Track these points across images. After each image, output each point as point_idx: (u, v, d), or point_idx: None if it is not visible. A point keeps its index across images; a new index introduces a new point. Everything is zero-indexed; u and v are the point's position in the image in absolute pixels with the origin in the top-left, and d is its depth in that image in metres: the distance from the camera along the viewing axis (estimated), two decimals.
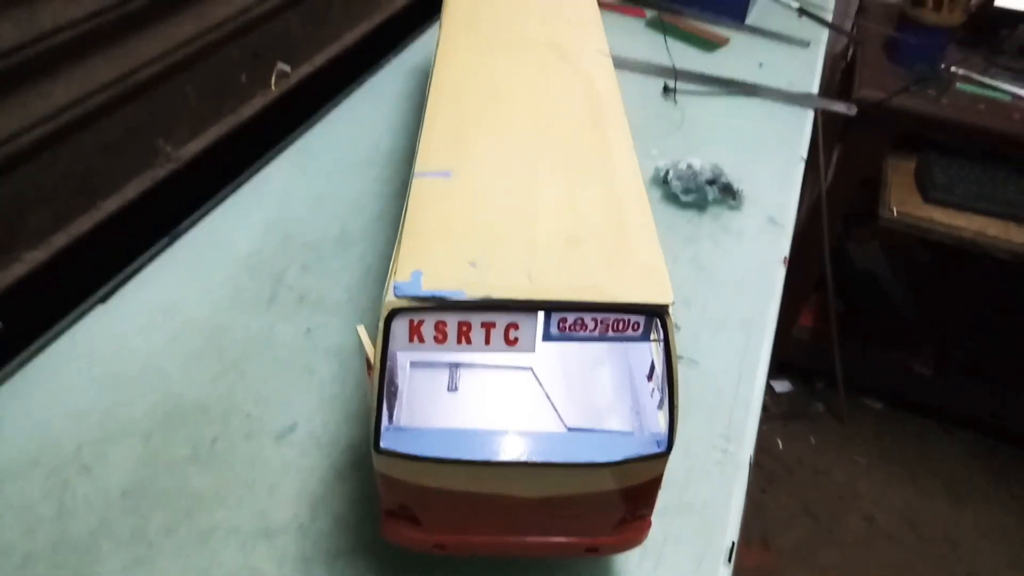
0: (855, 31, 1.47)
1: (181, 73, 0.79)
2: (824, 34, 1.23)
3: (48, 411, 0.53)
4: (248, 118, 0.90)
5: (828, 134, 1.31)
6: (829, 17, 1.28)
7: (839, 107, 1.03)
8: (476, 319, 0.36)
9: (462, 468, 0.39)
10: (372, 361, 0.37)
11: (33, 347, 0.59)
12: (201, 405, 0.55)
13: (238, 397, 0.56)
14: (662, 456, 0.40)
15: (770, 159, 0.89)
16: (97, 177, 0.73)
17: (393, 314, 0.35)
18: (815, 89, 1.06)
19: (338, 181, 0.79)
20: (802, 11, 1.27)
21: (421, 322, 0.36)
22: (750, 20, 1.22)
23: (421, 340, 0.36)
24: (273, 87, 0.95)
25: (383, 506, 0.42)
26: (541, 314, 0.36)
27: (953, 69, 1.30)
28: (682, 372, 0.61)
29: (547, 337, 0.37)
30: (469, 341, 0.36)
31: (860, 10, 1.54)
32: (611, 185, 0.44)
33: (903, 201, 1.22)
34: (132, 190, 0.77)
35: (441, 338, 0.36)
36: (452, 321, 0.36)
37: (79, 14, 0.65)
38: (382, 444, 0.38)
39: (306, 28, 0.98)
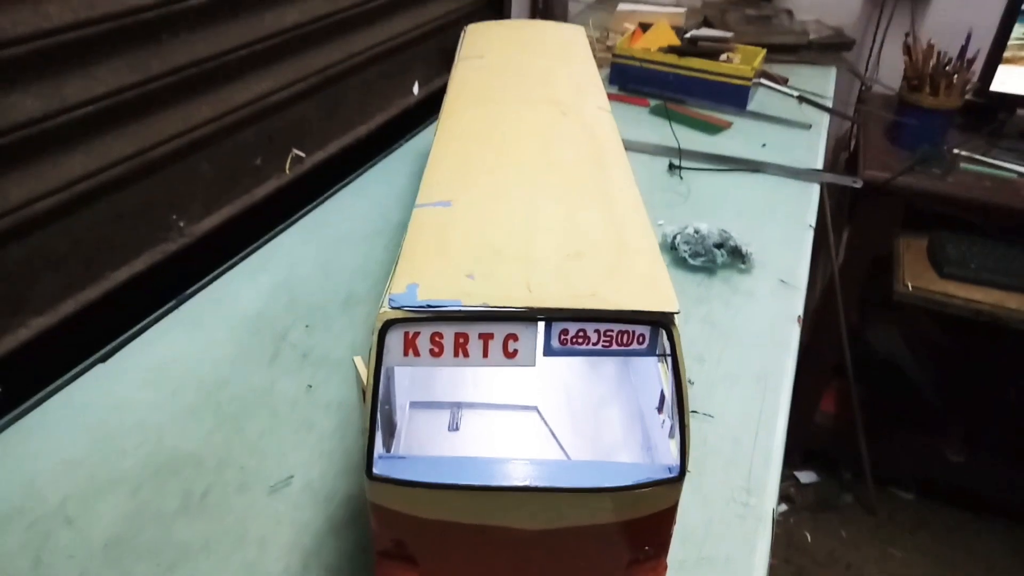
0: (857, 116, 1.50)
1: (197, 152, 0.82)
2: (825, 118, 1.26)
3: (37, 463, 0.52)
4: (261, 198, 0.92)
5: (836, 215, 1.32)
6: (829, 104, 1.32)
7: (845, 180, 1.03)
8: (474, 330, 0.34)
9: (460, 496, 0.36)
10: (366, 383, 0.36)
11: (29, 403, 0.58)
12: (195, 458, 0.53)
13: (233, 450, 0.53)
14: (674, 482, 0.37)
15: (778, 227, 0.89)
16: (109, 248, 0.74)
17: (387, 326, 0.34)
18: (819, 165, 1.08)
19: (347, 249, 0.80)
20: (802, 99, 1.31)
21: (417, 334, 0.35)
22: (751, 107, 1.26)
23: (416, 354, 0.35)
24: (287, 171, 0.98)
25: (376, 546, 0.39)
26: (541, 325, 0.35)
27: (956, 151, 1.31)
28: (698, 426, 0.58)
29: (548, 351, 0.36)
30: (467, 354, 0.35)
31: (860, 100, 1.58)
32: (612, 209, 0.43)
33: (918, 276, 1.20)
34: (143, 262, 0.77)
35: (437, 351, 0.35)
36: (449, 332, 0.34)
37: (101, 90, 0.68)
38: (375, 470, 0.36)
39: (321, 118, 1.02)
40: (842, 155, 1.68)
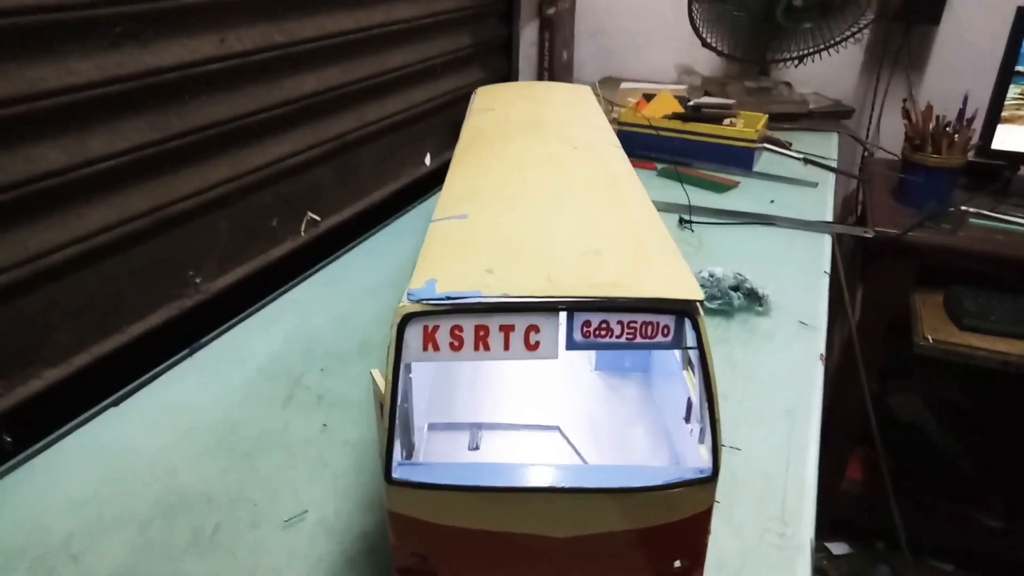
0: (863, 174, 1.52)
1: (215, 211, 0.83)
2: (831, 178, 1.27)
3: (44, 501, 0.50)
4: (277, 259, 0.93)
5: (850, 273, 1.31)
6: (834, 165, 1.34)
7: (856, 231, 1.04)
8: (494, 322, 0.34)
9: (482, 500, 0.34)
10: (384, 386, 0.35)
11: (38, 445, 0.57)
12: (206, 495, 0.51)
13: (246, 488, 0.52)
14: (706, 483, 0.35)
15: (792, 274, 0.88)
16: (125, 302, 0.74)
17: (407, 320, 0.34)
18: (829, 218, 1.08)
19: (360, 300, 0.80)
20: (807, 160, 1.33)
21: (436, 328, 0.34)
22: (756, 169, 1.28)
23: (436, 348, 0.34)
24: (303, 233, 0.99)
25: (396, 564, 0.37)
26: (563, 316, 0.34)
27: (963, 207, 1.32)
28: (726, 459, 0.56)
29: (571, 345, 0.35)
30: (487, 347, 0.34)
31: (863, 166, 1.61)
32: (628, 216, 0.43)
33: (937, 331, 1.18)
34: (158, 317, 0.77)
35: (457, 344, 0.34)
36: (469, 325, 0.34)
37: (124, 146, 0.70)
38: (395, 475, 0.35)
39: (336, 183, 1.04)
40: (849, 219, 1.69)
